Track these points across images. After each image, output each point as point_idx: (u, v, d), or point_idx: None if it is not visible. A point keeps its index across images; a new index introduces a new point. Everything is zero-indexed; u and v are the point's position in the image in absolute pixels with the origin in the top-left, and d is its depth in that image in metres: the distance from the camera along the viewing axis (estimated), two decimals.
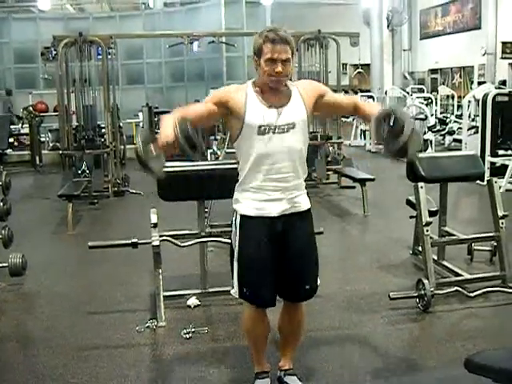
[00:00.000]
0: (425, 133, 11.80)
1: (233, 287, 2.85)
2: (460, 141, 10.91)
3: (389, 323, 3.88)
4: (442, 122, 12.86)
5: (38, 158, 11.38)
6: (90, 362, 3.41)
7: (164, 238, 4.15)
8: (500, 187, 4.70)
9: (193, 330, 3.76)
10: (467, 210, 7.62)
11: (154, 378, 3.29)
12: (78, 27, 10.98)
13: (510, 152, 8.38)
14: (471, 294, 4.14)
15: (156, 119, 11.73)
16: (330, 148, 9.00)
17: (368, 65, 19.66)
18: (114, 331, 3.84)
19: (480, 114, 8.94)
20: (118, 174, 8.59)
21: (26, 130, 12.29)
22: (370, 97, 15.37)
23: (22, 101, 14.16)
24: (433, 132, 12.03)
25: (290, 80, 2.80)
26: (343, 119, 11.55)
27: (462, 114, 11.54)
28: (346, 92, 18.02)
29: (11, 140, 12.54)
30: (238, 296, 2.83)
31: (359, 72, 20.33)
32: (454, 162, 4.73)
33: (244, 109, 2.66)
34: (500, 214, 4.39)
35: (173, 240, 4.19)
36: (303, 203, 2.81)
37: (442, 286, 4.19)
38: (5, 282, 4.70)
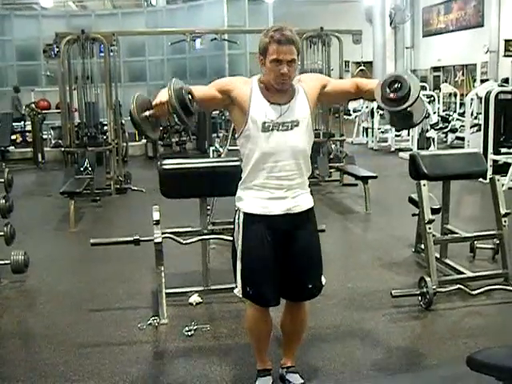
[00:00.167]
0: (427, 131, 11.78)
1: (236, 286, 2.84)
2: (462, 139, 10.90)
3: (391, 321, 3.88)
4: (445, 119, 12.83)
5: (40, 155, 11.40)
6: (92, 359, 3.41)
7: (166, 235, 4.14)
8: (502, 185, 4.70)
9: (195, 327, 3.76)
10: (470, 208, 7.61)
11: (156, 375, 3.29)
12: (80, 24, 10.96)
13: None
14: (473, 292, 4.13)
15: None
16: (333, 145, 9.00)
17: (370, 62, 19.63)
18: (116, 328, 3.84)
19: (482, 112, 8.92)
20: (120, 172, 8.59)
21: (29, 128, 12.31)
22: None
23: (24, 98, 14.17)
24: (435, 130, 12.00)
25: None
26: (346, 117, 11.54)
27: (464, 112, 11.53)
28: None
29: (13, 137, 12.56)
30: (241, 295, 2.83)
31: (361, 69, 20.25)
32: (457, 159, 4.73)
33: (249, 103, 2.65)
34: (502, 211, 4.38)
35: (175, 237, 4.19)
36: (307, 202, 2.80)
37: (445, 283, 4.18)
38: (7, 279, 4.71)
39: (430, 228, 4.24)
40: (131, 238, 4.21)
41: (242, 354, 3.39)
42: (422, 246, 4.62)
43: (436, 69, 19.61)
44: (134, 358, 3.44)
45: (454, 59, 18.14)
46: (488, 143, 8.41)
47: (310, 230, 2.84)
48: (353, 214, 7.08)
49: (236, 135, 2.78)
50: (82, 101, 8.57)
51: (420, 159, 4.44)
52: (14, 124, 12.93)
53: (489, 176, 5.04)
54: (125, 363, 3.37)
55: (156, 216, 4.13)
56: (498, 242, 4.63)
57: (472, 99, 10.80)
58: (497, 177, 4.52)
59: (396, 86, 2.57)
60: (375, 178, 7.27)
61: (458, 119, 12.80)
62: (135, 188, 8.47)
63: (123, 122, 9.95)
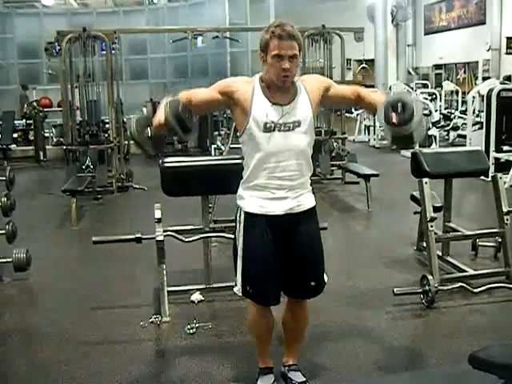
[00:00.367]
0: (429, 128, 11.76)
1: (236, 285, 2.83)
2: (464, 136, 10.88)
3: (393, 319, 3.88)
4: (447, 117, 12.83)
5: (42, 154, 11.40)
6: (94, 357, 3.42)
7: (168, 233, 4.14)
8: (505, 183, 4.69)
9: (197, 325, 3.76)
10: (472, 206, 7.61)
11: (158, 374, 3.29)
12: (81, 22, 10.99)
13: None
14: (475, 290, 4.13)
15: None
16: (334, 143, 8.99)
17: (372, 60, 19.59)
18: (118, 326, 3.84)
19: (484, 110, 8.91)
20: (121, 170, 8.59)
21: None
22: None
23: None
24: (437, 128, 12.00)
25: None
26: (347, 114, 11.54)
27: (466, 110, 11.51)
28: None
29: (15, 135, 12.56)
30: (241, 294, 2.82)
31: (363, 67, 20.25)
32: (459, 157, 4.72)
33: (250, 103, 2.63)
34: (504, 209, 4.37)
35: (177, 235, 4.19)
36: (308, 202, 2.79)
37: (447, 281, 4.18)
38: (9, 277, 4.72)
39: (431, 226, 4.23)
40: (133, 236, 4.20)
41: (243, 352, 3.39)
42: (424, 244, 4.62)
43: (438, 66, 19.57)
44: (135, 355, 3.44)
45: (456, 57, 18.11)
46: (490, 141, 8.40)
47: (311, 228, 2.83)
48: (355, 212, 7.08)
49: (238, 134, 2.77)
50: (83, 99, 8.56)
51: (422, 157, 4.43)
52: (20, 122, 12.97)
53: (491, 174, 5.03)
54: (126, 361, 3.37)
55: (158, 214, 4.13)
56: (500, 240, 4.62)
57: (474, 97, 10.79)
58: (499, 175, 4.52)
59: (399, 107, 2.53)
60: (377, 176, 7.26)
61: (459, 117, 12.79)
62: (137, 186, 8.47)
63: (125, 119, 9.94)
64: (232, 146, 6.96)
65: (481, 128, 9.30)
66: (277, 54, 2.56)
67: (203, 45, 12.42)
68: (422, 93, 13.52)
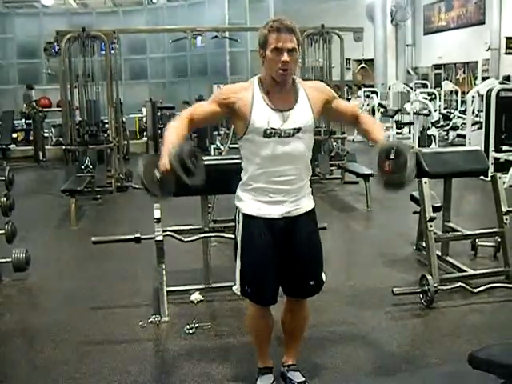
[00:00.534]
0: (428, 128, 11.77)
1: (235, 284, 2.84)
2: (464, 136, 10.88)
3: (392, 319, 3.88)
4: (446, 117, 12.83)
5: (41, 154, 11.41)
6: (93, 357, 3.42)
7: (167, 233, 4.14)
8: (504, 183, 4.70)
9: (196, 325, 3.76)
10: (471, 206, 7.61)
11: (157, 374, 3.29)
12: (81, 22, 10.99)
13: None
14: (475, 290, 4.13)
15: (159, 114, 11.73)
16: (334, 143, 8.99)
17: (371, 60, 19.61)
18: (117, 326, 3.84)
19: (484, 110, 8.91)
20: (121, 169, 8.59)
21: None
22: (374, 92, 15.35)
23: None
24: (436, 127, 12.00)
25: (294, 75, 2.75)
26: None
27: (465, 110, 11.51)
28: (350, 88, 18.03)
29: (14, 135, 12.57)
30: (239, 293, 2.82)
31: (363, 67, 20.27)
32: (458, 157, 4.71)
33: (250, 110, 2.60)
34: (504, 209, 4.37)
35: (176, 235, 4.19)
36: (306, 205, 2.78)
37: (446, 281, 4.18)
38: (8, 277, 4.71)
39: (431, 226, 4.24)
40: (132, 236, 4.20)
41: (243, 352, 3.39)
42: (424, 244, 4.62)
43: (437, 66, 19.59)
44: (135, 355, 3.44)
45: (455, 57, 18.12)
46: (489, 141, 8.40)
47: (310, 228, 2.82)
48: (354, 211, 7.08)
49: (237, 137, 2.76)
50: (82, 99, 8.55)
51: (421, 157, 4.43)
52: (19, 122, 12.98)
53: (490, 174, 5.03)
54: (126, 361, 3.37)
55: (157, 214, 4.13)
56: (499, 239, 4.63)
57: (473, 97, 10.79)
58: (498, 174, 4.53)
59: (392, 155, 2.56)
60: None
61: (459, 117, 12.79)
62: (136, 186, 8.44)
63: (124, 119, 9.95)
64: (231, 145, 6.96)
65: (480, 128, 9.31)
66: (275, 47, 2.54)
67: (202, 44, 12.44)
68: (421, 92, 13.54)
